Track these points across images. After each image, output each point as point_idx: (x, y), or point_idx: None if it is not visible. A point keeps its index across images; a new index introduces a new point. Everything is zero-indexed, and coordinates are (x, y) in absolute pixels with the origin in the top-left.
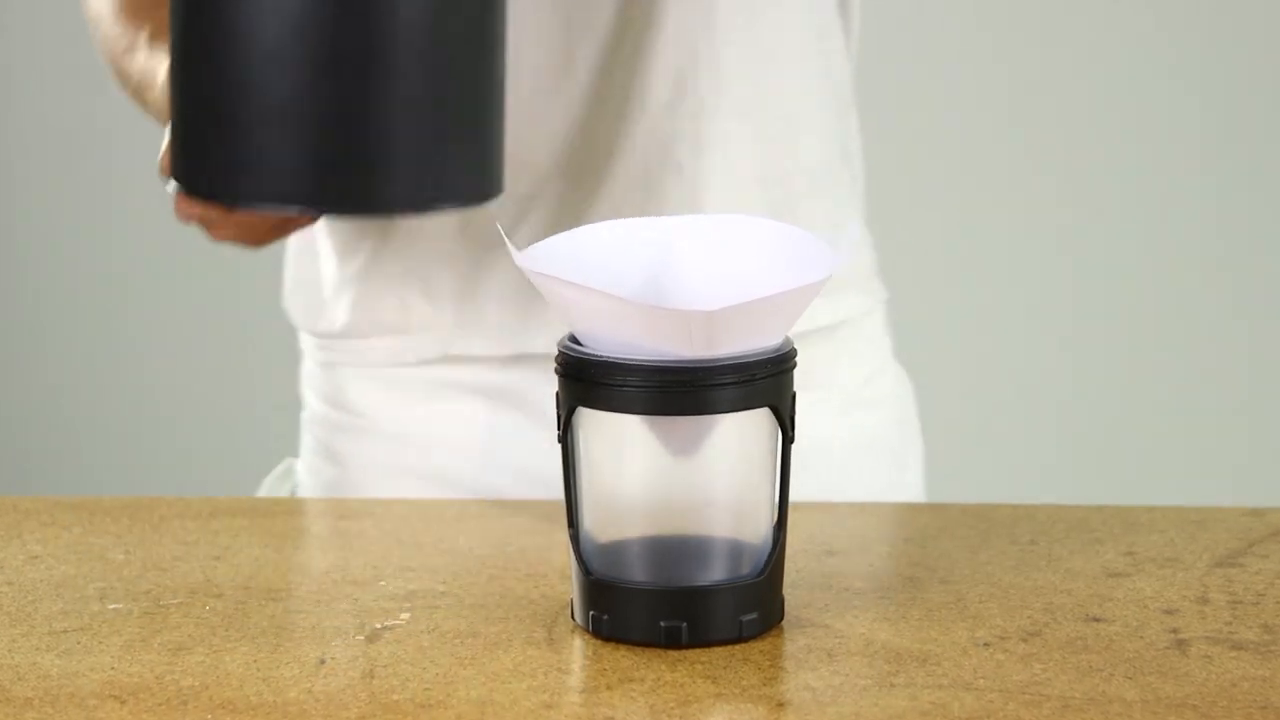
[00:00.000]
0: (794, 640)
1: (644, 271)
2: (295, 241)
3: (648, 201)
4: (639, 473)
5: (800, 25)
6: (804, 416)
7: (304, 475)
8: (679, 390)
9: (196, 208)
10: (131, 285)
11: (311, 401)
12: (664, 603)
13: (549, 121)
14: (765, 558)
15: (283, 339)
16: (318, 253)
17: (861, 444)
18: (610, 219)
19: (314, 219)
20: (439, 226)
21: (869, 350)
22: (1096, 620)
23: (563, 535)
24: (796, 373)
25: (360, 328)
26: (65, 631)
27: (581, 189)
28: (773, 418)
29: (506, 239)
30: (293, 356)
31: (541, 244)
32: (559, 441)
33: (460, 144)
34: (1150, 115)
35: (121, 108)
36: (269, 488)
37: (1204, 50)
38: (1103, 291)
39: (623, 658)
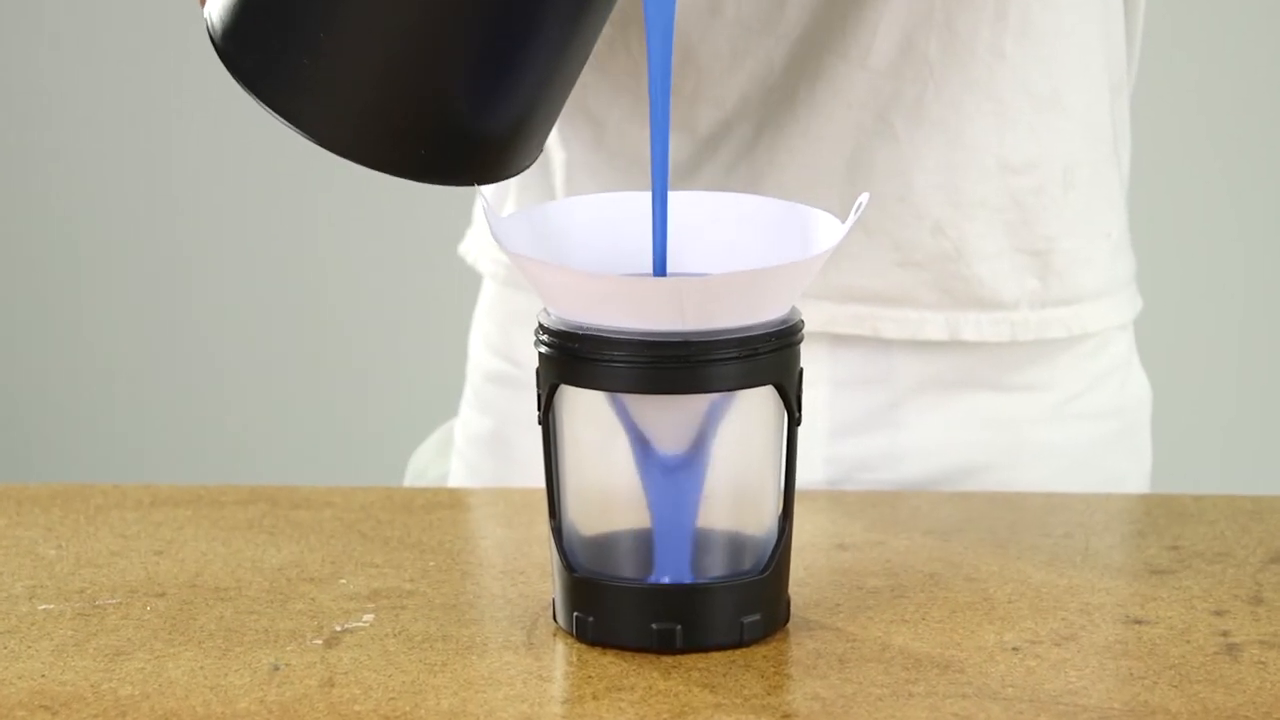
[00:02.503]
0: (801, 644)
1: (632, 249)
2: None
3: (851, 167)
4: (629, 458)
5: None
6: (1016, 416)
7: (457, 428)
8: (673, 366)
9: None
10: (87, 275)
11: (478, 353)
12: (656, 603)
13: (747, 60)
14: (769, 552)
15: (247, 333)
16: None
17: (1077, 456)
18: (807, 179)
19: None
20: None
21: (1109, 361)
22: (1138, 622)
23: (544, 527)
24: (1015, 376)
25: None
26: None
27: (775, 141)
28: (777, 397)
29: (487, 205)
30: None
31: (520, 214)
32: (539, 424)
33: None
34: None
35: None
36: (427, 451)
37: None
38: None
39: (610, 664)
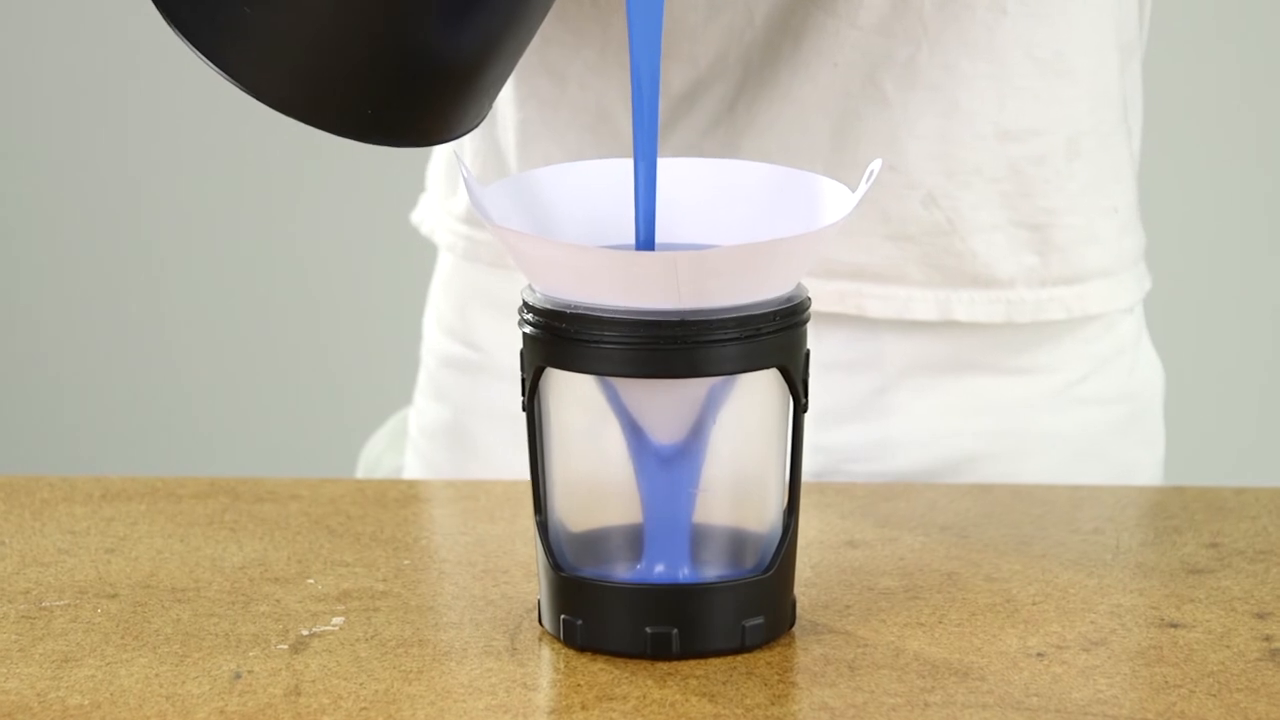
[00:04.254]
0: (807, 650)
1: (625, 220)
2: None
3: (837, 132)
4: (621, 448)
5: None
6: (1015, 402)
7: (411, 418)
8: (669, 348)
9: None
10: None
11: (432, 335)
12: (650, 604)
13: (724, 12)
14: (772, 550)
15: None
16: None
17: (1083, 445)
18: (790, 144)
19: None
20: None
21: (1116, 341)
22: (1174, 626)
23: (528, 523)
24: (1014, 358)
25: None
26: None
27: (756, 102)
28: (781, 381)
29: (468, 174)
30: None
31: (502, 183)
32: (524, 410)
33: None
34: None
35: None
36: (380, 443)
37: None
38: None
39: (601, 671)
